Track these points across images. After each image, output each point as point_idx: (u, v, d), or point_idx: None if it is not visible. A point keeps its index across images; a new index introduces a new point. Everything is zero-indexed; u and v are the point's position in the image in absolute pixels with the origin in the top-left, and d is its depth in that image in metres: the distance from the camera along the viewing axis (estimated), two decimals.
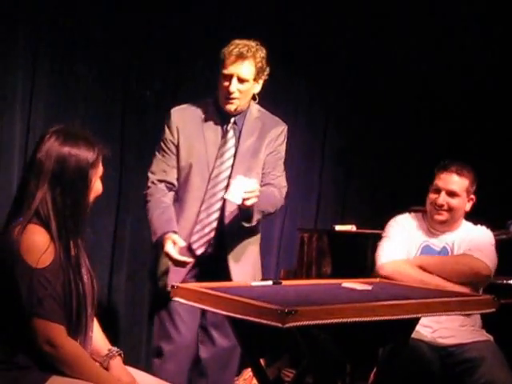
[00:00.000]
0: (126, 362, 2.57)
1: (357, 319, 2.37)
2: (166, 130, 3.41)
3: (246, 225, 3.31)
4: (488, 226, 3.64)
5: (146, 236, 4.31)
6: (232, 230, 3.36)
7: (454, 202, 3.38)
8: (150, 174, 3.41)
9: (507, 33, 5.34)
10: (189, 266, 3.29)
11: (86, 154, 2.37)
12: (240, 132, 3.41)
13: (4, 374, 2.29)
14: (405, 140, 5.51)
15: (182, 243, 3.24)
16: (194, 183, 3.36)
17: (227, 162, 3.38)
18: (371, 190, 5.56)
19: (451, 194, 3.38)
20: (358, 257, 4.10)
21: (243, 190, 3.12)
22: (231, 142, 3.39)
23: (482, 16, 5.40)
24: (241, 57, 3.26)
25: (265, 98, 5.02)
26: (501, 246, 3.52)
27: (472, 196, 3.44)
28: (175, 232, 3.27)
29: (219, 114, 3.40)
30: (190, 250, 3.33)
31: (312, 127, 5.55)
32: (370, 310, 2.42)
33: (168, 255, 3.22)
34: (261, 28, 4.88)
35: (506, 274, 3.65)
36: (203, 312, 3.38)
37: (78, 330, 2.38)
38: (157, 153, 3.43)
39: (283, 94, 5.33)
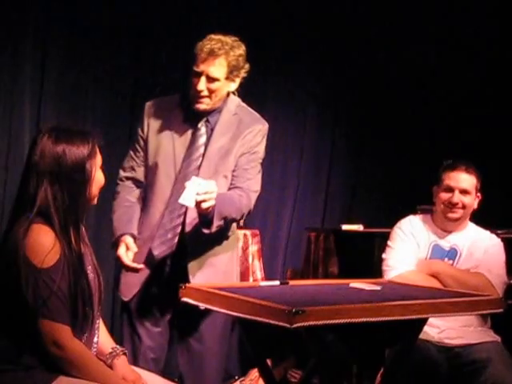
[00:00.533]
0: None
1: (365, 319, 2.36)
2: (139, 125, 3.24)
3: (206, 231, 3.02)
4: (495, 226, 3.66)
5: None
6: (193, 237, 3.10)
7: (466, 199, 3.39)
8: (120, 170, 3.25)
9: None
10: (145, 274, 3.11)
11: (80, 148, 2.35)
12: (212, 130, 3.17)
13: (11, 375, 2.28)
14: (412, 139, 5.51)
15: (135, 248, 3.06)
16: (160, 184, 3.15)
17: (195, 163, 3.14)
18: (378, 189, 5.55)
19: (464, 192, 3.39)
20: (365, 256, 4.09)
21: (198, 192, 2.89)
22: (201, 141, 3.16)
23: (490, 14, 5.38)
24: (211, 54, 3.02)
25: (273, 98, 5.04)
26: (509, 246, 3.53)
27: (478, 194, 3.45)
28: (132, 235, 3.11)
29: (191, 110, 3.15)
30: (149, 255, 3.12)
31: (320, 128, 5.55)
32: (378, 311, 2.41)
33: (119, 259, 3.06)
34: (266, 27, 4.90)
35: None
36: (173, 318, 3.22)
37: (84, 328, 2.38)
38: (130, 149, 3.26)
39: (292, 94, 5.34)
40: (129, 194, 3.21)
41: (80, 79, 4.40)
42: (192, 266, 3.11)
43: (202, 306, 2.66)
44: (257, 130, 3.21)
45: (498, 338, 3.36)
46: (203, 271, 3.12)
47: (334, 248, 4.49)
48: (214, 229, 3.02)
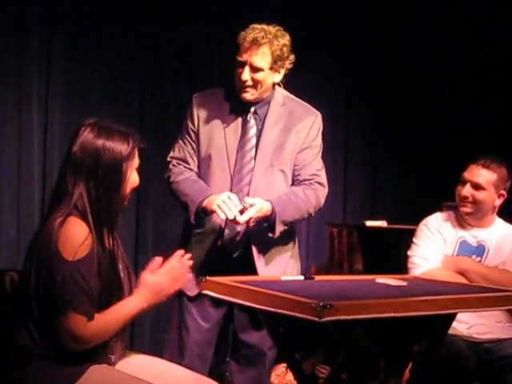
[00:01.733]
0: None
1: (393, 315, 2.34)
2: (188, 117, 3.23)
3: (270, 235, 3.12)
4: None
5: (168, 227, 4.34)
6: (257, 233, 3.15)
7: (479, 195, 3.35)
8: (170, 159, 3.23)
9: None
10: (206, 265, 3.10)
11: (120, 147, 2.37)
12: (263, 122, 3.18)
13: (38, 366, 2.30)
14: (436, 133, 5.46)
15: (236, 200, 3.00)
16: (216, 177, 3.16)
17: (249, 154, 3.16)
18: (400, 184, 5.52)
19: (476, 186, 3.35)
20: (390, 253, 4.07)
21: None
22: (251, 132, 3.17)
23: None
24: (255, 43, 3.01)
25: (286, 90, 5.00)
26: None
27: (503, 192, 3.40)
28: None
29: (238, 102, 3.17)
30: (223, 251, 3.15)
31: (334, 121, 5.51)
32: (406, 306, 2.39)
33: (222, 206, 2.95)
34: (276, 15, 4.88)
35: None
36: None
37: None
38: (179, 140, 3.25)
39: (304, 86, 5.32)
40: (189, 173, 3.20)
41: (87, 75, 4.42)
42: (259, 262, 3.15)
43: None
44: (311, 122, 3.26)
45: None
46: (268, 267, 3.16)
47: (359, 244, 4.48)
48: (277, 234, 3.12)
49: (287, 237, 3.25)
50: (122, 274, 2.44)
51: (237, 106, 3.18)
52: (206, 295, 2.79)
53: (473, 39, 5.42)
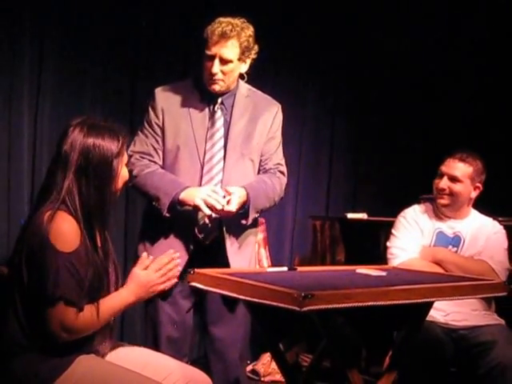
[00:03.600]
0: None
1: (372, 303, 2.41)
2: (150, 111, 3.22)
3: (243, 222, 3.18)
4: (497, 214, 3.72)
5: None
6: (230, 221, 3.20)
7: (455, 187, 3.44)
8: (131, 153, 3.16)
9: None
10: (184, 258, 3.12)
11: (109, 145, 2.42)
12: (230, 113, 3.23)
13: (25, 358, 2.35)
14: (415, 127, 5.53)
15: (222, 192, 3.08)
16: (185, 167, 3.19)
17: (218, 144, 3.20)
18: (382, 177, 5.59)
19: (453, 179, 3.44)
20: (370, 244, 4.14)
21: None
22: (219, 123, 3.21)
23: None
24: (223, 36, 3.07)
25: (272, 86, 5.07)
26: (509, 233, 3.58)
27: (478, 184, 3.49)
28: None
29: (205, 93, 3.21)
30: (193, 238, 3.18)
31: (320, 115, 5.58)
32: (385, 295, 2.46)
33: (209, 200, 3.02)
34: (265, 20, 4.92)
35: None
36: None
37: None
38: (140, 133, 3.24)
39: (291, 82, 5.38)
40: (155, 165, 3.20)
41: (78, 73, 4.43)
42: (231, 249, 3.20)
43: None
44: (274, 113, 3.33)
45: (502, 321, 3.43)
46: (238, 252, 3.23)
47: (340, 236, 4.54)
48: (250, 221, 3.19)
49: (254, 224, 3.32)
50: (110, 272, 2.50)
51: (203, 98, 3.22)
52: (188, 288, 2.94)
53: (448, 36, 5.49)
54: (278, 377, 4.13)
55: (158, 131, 3.21)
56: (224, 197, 3.08)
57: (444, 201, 3.47)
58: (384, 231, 3.65)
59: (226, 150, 3.20)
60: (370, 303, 2.41)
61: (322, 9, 5.33)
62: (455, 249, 3.47)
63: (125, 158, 2.50)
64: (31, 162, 4.24)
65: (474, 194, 3.51)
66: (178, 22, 4.75)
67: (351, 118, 5.64)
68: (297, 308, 2.27)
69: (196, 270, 2.78)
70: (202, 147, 3.19)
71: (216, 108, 3.22)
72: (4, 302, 2.42)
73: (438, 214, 3.53)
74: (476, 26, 5.42)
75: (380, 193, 5.53)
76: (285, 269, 3.01)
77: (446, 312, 3.34)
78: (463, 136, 4.98)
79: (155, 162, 3.21)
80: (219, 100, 3.23)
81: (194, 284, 2.76)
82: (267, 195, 3.26)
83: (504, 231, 3.55)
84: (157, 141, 3.21)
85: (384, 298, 2.45)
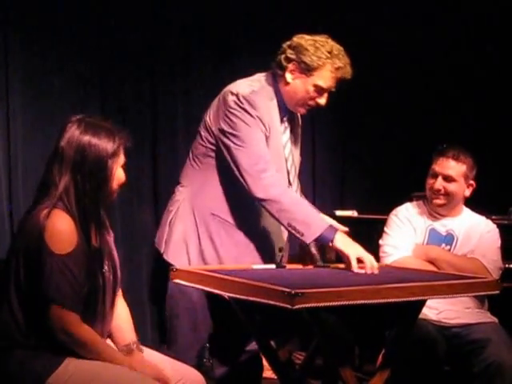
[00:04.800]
0: None
1: (364, 301, 2.41)
2: (259, 122, 3.06)
3: None
4: (489, 212, 3.73)
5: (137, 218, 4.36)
6: None
7: (451, 186, 3.44)
8: (256, 165, 3.01)
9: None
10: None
11: (105, 144, 2.42)
12: (291, 129, 3.26)
13: (20, 353, 2.35)
14: (403, 123, 5.50)
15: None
16: None
17: (289, 160, 3.23)
18: (370, 174, 5.56)
19: (448, 178, 3.43)
20: (361, 242, 4.13)
21: None
22: (289, 141, 3.24)
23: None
24: (341, 74, 3.15)
25: None
26: (502, 231, 3.58)
27: (471, 182, 3.49)
28: None
29: (279, 106, 3.18)
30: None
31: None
32: (377, 293, 2.46)
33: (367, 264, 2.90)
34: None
35: (507, 258, 3.69)
36: None
37: (95, 319, 2.43)
38: (254, 144, 3.04)
39: None
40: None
41: (45, 67, 4.40)
42: None
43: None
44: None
45: (495, 319, 3.43)
46: None
47: None
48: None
49: None
50: (107, 272, 2.48)
51: (277, 109, 3.18)
52: None
53: (453, 44, 5.50)
54: (269, 373, 4.12)
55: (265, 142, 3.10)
56: None
57: (440, 201, 3.46)
58: (375, 229, 3.64)
59: (294, 171, 3.23)
60: (361, 301, 2.41)
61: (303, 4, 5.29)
62: (448, 247, 3.47)
63: (121, 159, 2.48)
64: (7, 159, 4.19)
65: (467, 192, 3.51)
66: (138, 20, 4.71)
67: (336, 111, 5.56)
68: (289, 306, 2.27)
69: (178, 267, 2.81)
70: (284, 164, 3.19)
71: (286, 124, 3.24)
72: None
73: (431, 212, 3.53)
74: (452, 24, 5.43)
75: (371, 191, 5.51)
76: (273, 266, 3.01)
77: (438, 310, 3.33)
78: (452, 132, 4.99)
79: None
80: (287, 115, 3.23)
81: (178, 281, 2.76)
82: None
83: (497, 230, 3.55)
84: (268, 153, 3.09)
85: (376, 296, 2.45)
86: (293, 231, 2.97)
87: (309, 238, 2.97)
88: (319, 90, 3.13)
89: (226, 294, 2.59)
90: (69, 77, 4.40)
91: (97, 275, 2.42)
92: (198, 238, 3.15)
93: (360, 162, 5.59)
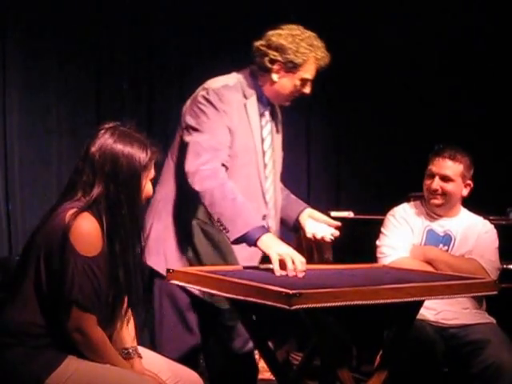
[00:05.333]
0: None
1: (362, 302, 2.40)
2: (225, 115, 3.03)
3: None
4: (487, 213, 3.73)
5: None
6: None
7: (448, 186, 3.44)
8: (203, 149, 2.96)
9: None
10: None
11: (138, 155, 2.40)
12: (273, 121, 3.24)
13: (22, 351, 2.34)
14: (399, 123, 5.51)
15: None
16: (247, 176, 3.11)
17: (271, 157, 3.20)
18: (366, 175, 5.57)
19: (445, 178, 3.44)
20: (357, 243, 4.13)
21: None
22: (270, 134, 3.21)
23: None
24: (323, 62, 3.13)
25: None
26: (500, 232, 3.58)
27: (469, 181, 3.50)
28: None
29: (259, 101, 3.16)
30: None
31: (297, 111, 5.51)
32: (375, 294, 2.45)
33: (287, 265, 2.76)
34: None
35: (505, 258, 3.70)
36: None
37: (107, 324, 2.43)
38: (210, 131, 2.99)
39: None
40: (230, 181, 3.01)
41: (42, 73, 4.41)
42: None
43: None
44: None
45: (493, 320, 3.43)
46: None
47: None
48: None
49: None
50: (125, 282, 2.45)
51: (256, 105, 3.16)
52: None
53: (450, 41, 5.50)
54: (268, 375, 4.12)
55: (229, 138, 3.05)
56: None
57: (438, 201, 3.46)
58: (372, 229, 3.64)
59: (274, 163, 3.21)
60: (359, 302, 2.40)
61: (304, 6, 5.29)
62: (446, 247, 3.47)
63: (151, 173, 2.47)
64: (3, 158, 4.20)
65: (465, 192, 3.51)
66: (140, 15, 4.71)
67: (331, 112, 5.59)
68: (286, 306, 2.27)
69: (175, 268, 2.80)
70: (260, 160, 3.15)
71: (268, 117, 3.21)
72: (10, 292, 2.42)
73: (428, 212, 3.53)
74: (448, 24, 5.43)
75: (366, 191, 5.51)
76: (270, 266, 3.00)
77: (436, 310, 3.33)
78: (449, 132, 4.99)
79: (226, 168, 3.03)
80: (268, 108, 3.21)
81: (174, 282, 2.76)
82: None
83: (495, 230, 3.55)
84: (228, 148, 3.04)
85: (374, 297, 2.45)
86: (220, 227, 2.90)
87: (233, 235, 2.86)
88: (305, 82, 3.14)
89: (226, 295, 2.58)
90: (63, 79, 4.40)
91: (117, 281, 2.40)
92: (175, 238, 3.11)
93: (355, 162, 5.59)
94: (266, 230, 2.90)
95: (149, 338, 4.34)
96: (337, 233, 3.14)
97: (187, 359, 2.94)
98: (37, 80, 4.35)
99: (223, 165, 3.00)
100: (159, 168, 2.56)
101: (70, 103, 4.40)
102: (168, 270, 2.77)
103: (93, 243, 2.32)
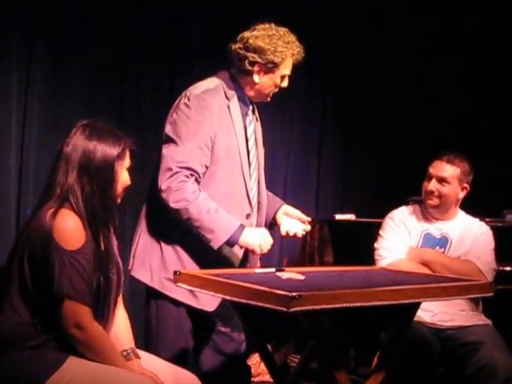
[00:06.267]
0: None
1: (360, 304, 2.42)
2: (206, 123, 3.02)
3: None
4: (483, 215, 3.75)
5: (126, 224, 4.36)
6: None
7: (444, 189, 3.47)
8: (178, 169, 2.96)
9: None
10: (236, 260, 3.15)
11: (110, 148, 2.45)
12: (254, 119, 3.24)
13: (21, 354, 2.35)
14: (404, 128, 5.54)
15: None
16: (228, 177, 3.10)
17: (255, 155, 3.20)
18: (370, 179, 5.60)
19: (441, 180, 3.47)
20: (358, 245, 4.15)
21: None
22: (253, 133, 3.22)
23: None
24: (298, 57, 3.15)
25: None
26: (496, 234, 3.60)
27: (465, 185, 3.53)
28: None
29: (240, 100, 3.16)
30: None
31: (309, 117, 5.57)
32: (373, 295, 2.48)
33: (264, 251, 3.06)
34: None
35: (501, 260, 3.72)
36: None
37: (102, 315, 2.45)
38: (186, 143, 2.99)
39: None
40: (203, 192, 3.02)
41: (66, 78, 4.42)
42: None
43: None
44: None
45: (489, 322, 3.45)
46: None
47: (329, 237, 4.56)
48: None
49: None
50: (113, 275, 2.50)
51: (240, 103, 3.17)
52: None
53: (453, 47, 5.51)
54: (268, 377, 4.13)
55: (210, 145, 3.05)
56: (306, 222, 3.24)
57: (433, 202, 3.50)
58: (372, 232, 3.66)
59: (258, 161, 3.23)
60: (357, 304, 2.42)
61: (307, 8, 5.31)
62: (442, 249, 3.50)
63: (126, 162, 2.51)
64: (19, 162, 4.22)
65: (461, 195, 3.54)
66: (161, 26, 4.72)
67: (339, 120, 5.64)
68: (284, 309, 2.29)
69: (182, 271, 2.81)
70: (245, 159, 3.15)
71: (251, 116, 3.22)
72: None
73: (426, 215, 3.56)
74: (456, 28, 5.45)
75: (369, 194, 5.54)
76: (273, 270, 3.02)
77: (433, 312, 3.36)
78: (452, 137, 5.01)
79: (199, 182, 3.04)
80: (251, 107, 3.23)
81: (180, 285, 2.77)
82: None
83: (491, 232, 3.58)
84: (207, 156, 3.05)
85: (371, 299, 2.46)
86: (202, 238, 3.00)
87: (215, 244, 2.99)
88: (284, 78, 3.17)
89: (227, 298, 2.60)
90: (87, 87, 4.41)
91: (104, 276, 2.44)
92: (160, 248, 3.11)
93: (361, 167, 5.62)
94: (242, 228, 3.01)
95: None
96: (308, 228, 3.25)
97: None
98: (59, 85, 4.37)
99: (195, 175, 3.01)
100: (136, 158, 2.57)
101: (91, 112, 4.41)
102: (175, 273, 2.79)
103: (75, 236, 2.36)
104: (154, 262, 3.10)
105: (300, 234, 3.25)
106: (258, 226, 3.22)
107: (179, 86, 4.41)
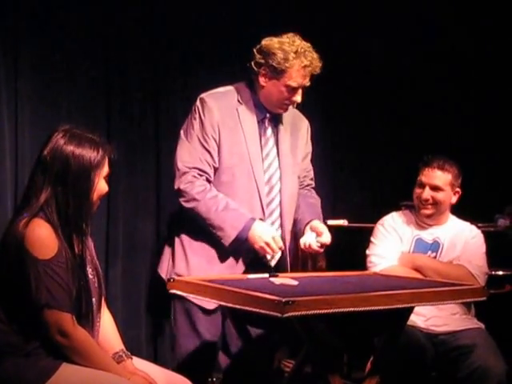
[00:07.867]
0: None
1: (353, 309, 2.43)
2: (206, 123, 3.12)
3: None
4: (475, 220, 3.76)
5: (139, 227, 4.37)
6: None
7: (438, 196, 3.49)
8: (186, 169, 3.10)
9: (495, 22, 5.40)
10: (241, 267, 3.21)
11: (89, 155, 2.42)
12: (277, 129, 3.26)
13: (15, 361, 2.35)
14: (394, 133, 5.54)
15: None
16: (242, 186, 3.17)
17: (274, 164, 3.22)
18: (361, 184, 5.60)
19: (435, 188, 3.48)
20: (351, 250, 4.16)
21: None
22: (272, 141, 3.24)
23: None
24: (310, 71, 3.14)
25: None
26: (488, 239, 3.62)
27: (457, 189, 3.55)
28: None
29: (256, 107, 3.21)
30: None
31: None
32: (366, 300, 2.49)
33: (266, 249, 3.11)
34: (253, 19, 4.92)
35: (493, 265, 3.73)
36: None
37: (84, 324, 2.43)
38: (190, 145, 3.13)
39: None
40: (213, 189, 3.13)
41: (53, 77, 4.40)
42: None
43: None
44: (306, 127, 3.43)
45: (481, 325, 3.47)
46: None
47: None
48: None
49: None
50: (90, 277, 2.50)
51: (254, 112, 3.21)
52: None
53: (441, 52, 5.52)
54: None
55: (215, 146, 3.14)
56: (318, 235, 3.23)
57: (428, 211, 3.51)
58: (365, 237, 3.67)
59: (281, 170, 3.24)
60: (350, 309, 2.43)
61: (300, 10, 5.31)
62: (434, 254, 3.51)
63: (104, 171, 2.49)
64: (14, 169, 4.20)
65: (454, 199, 3.56)
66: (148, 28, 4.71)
67: (328, 124, 5.62)
68: (278, 314, 2.30)
69: (176, 278, 2.84)
70: (258, 166, 3.18)
71: (266, 124, 3.24)
72: None
73: (417, 221, 3.57)
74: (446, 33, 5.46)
75: (360, 199, 5.53)
76: (266, 275, 3.03)
77: (426, 317, 3.37)
78: (440, 142, 5.02)
79: (210, 182, 3.15)
80: (268, 115, 3.24)
81: (174, 291, 2.78)
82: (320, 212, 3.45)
83: (482, 235, 3.59)
84: (212, 156, 3.14)
85: (365, 304, 2.48)
86: (214, 235, 3.12)
87: (226, 241, 3.12)
88: (292, 90, 3.16)
89: (221, 303, 2.61)
90: (75, 90, 4.40)
91: (82, 280, 2.43)
92: (173, 249, 3.25)
93: (352, 172, 5.62)
94: (252, 222, 3.08)
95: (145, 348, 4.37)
96: (323, 239, 3.23)
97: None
98: (47, 91, 4.35)
99: (203, 174, 3.13)
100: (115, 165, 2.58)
101: (81, 118, 4.40)
102: (169, 280, 2.82)
103: (48, 245, 2.35)
104: (169, 262, 3.24)
105: (315, 245, 3.23)
106: (283, 232, 3.30)
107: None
